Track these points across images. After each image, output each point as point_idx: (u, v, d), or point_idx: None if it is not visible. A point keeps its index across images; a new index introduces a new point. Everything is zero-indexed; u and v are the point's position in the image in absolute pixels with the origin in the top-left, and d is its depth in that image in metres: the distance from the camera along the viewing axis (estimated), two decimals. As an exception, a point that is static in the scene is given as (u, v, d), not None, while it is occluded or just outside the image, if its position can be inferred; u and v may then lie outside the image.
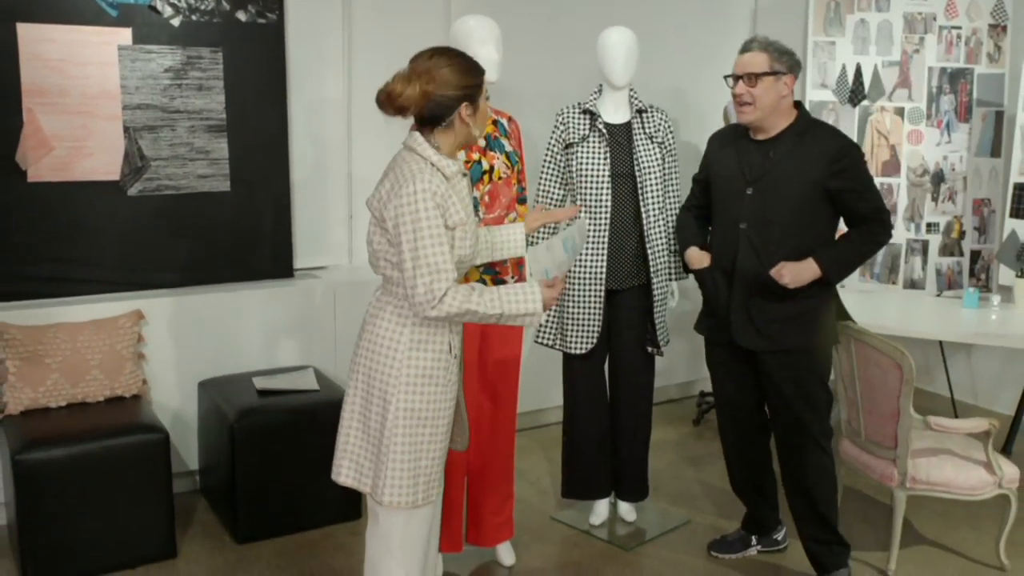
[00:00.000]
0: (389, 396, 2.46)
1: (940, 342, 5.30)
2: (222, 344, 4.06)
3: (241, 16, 4.11)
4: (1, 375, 3.58)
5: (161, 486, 3.47)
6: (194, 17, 4.01)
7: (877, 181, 4.92)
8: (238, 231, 4.19)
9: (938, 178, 4.95)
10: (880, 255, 4.97)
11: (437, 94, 2.43)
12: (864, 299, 4.72)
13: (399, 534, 2.55)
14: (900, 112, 4.95)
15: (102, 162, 3.91)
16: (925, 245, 4.97)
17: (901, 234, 4.96)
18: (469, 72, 2.47)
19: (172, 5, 3.97)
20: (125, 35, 3.90)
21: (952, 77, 4.92)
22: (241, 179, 4.16)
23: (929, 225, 4.97)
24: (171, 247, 4.06)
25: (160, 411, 3.84)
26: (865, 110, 4.97)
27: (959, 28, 4.92)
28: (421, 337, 2.47)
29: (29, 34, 3.72)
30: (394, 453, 2.47)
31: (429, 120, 2.48)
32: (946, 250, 4.96)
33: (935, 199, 4.96)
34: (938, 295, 4.89)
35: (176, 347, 3.97)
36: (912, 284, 4.97)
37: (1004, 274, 4.72)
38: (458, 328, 2.57)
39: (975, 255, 4.94)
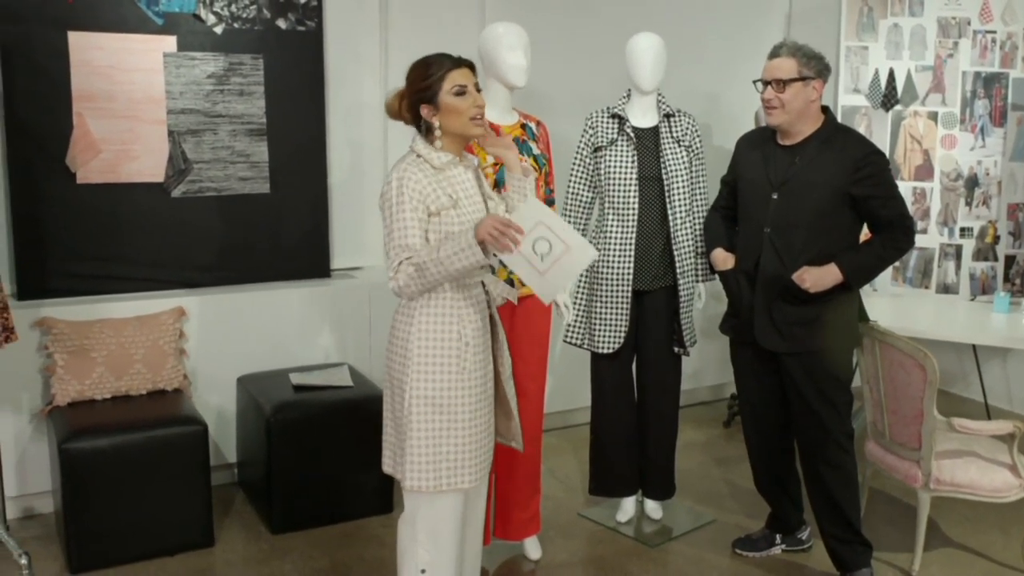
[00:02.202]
0: (404, 384, 2.61)
1: (974, 347, 5.28)
2: (260, 341, 4.19)
3: (281, 24, 4.24)
4: (49, 368, 3.74)
5: (200, 476, 3.60)
6: (236, 25, 4.15)
7: (910, 185, 4.95)
8: (277, 232, 4.32)
9: (972, 183, 4.95)
10: (912, 259, 4.97)
11: (409, 100, 2.66)
12: (896, 303, 4.73)
13: (423, 519, 2.67)
14: (934, 117, 4.95)
15: (147, 165, 4.05)
16: (959, 249, 4.96)
17: (934, 238, 4.96)
18: (418, 79, 2.64)
19: (215, 14, 4.10)
20: (170, 43, 4.04)
21: (987, 81, 4.91)
22: (280, 182, 4.29)
23: (963, 230, 4.96)
24: (212, 247, 4.19)
25: (200, 405, 3.97)
26: (898, 115, 4.98)
27: (994, 32, 4.91)
28: (428, 327, 2.60)
29: (79, 42, 3.87)
30: (412, 439, 2.60)
31: (417, 126, 2.70)
32: (980, 255, 4.95)
33: (969, 204, 4.96)
34: (972, 299, 4.88)
35: (216, 343, 4.11)
36: (945, 289, 4.96)
37: (1038, 279, 4.71)
38: (472, 319, 2.65)
39: (1010, 260, 4.92)
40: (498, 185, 3.25)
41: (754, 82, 3.35)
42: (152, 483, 3.52)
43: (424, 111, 2.64)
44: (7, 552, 3.41)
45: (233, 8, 4.13)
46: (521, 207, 2.58)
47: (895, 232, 3.24)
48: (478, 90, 2.66)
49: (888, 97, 4.99)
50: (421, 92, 2.63)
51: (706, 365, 5.40)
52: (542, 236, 2.47)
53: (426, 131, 2.67)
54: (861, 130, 4.92)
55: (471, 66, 2.69)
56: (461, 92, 2.62)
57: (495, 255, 2.51)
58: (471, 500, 2.84)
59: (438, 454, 2.62)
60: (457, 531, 2.73)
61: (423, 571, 2.69)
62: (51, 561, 3.53)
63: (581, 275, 3.75)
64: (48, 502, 3.89)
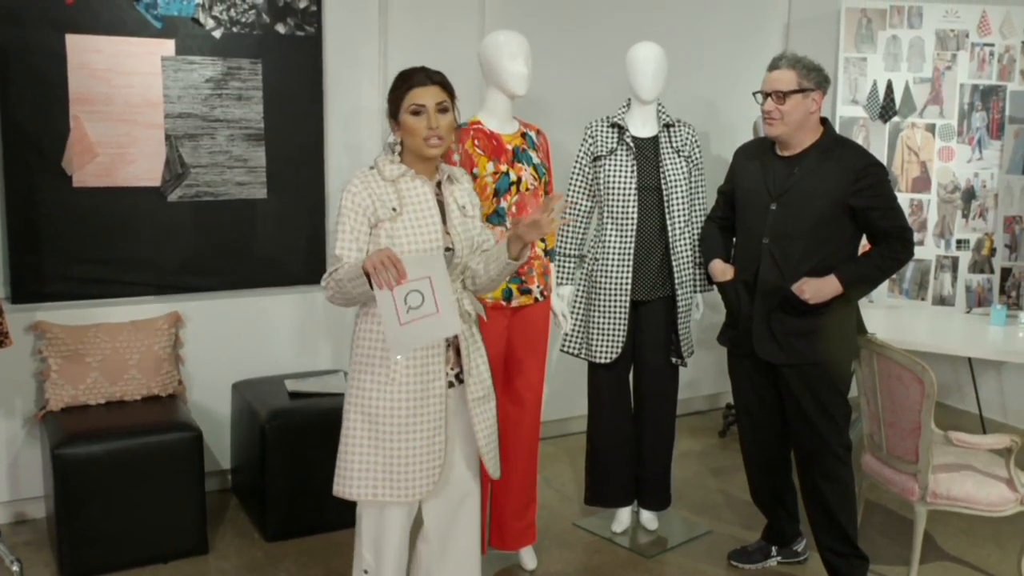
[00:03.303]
0: (346, 392, 2.70)
1: (969, 359, 5.29)
2: (256, 347, 4.18)
3: (280, 29, 4.23)
4: (43, 373, 3.72)
5: (194, 483, 3.58)
6: (235, 29, 4.13)
7: (907, 197, 4.95)
8: (274, 238, 4.30)
9: (969, 195, 4.96)
10: (909, 271, 4.98)
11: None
12: (893, 315, 4.74)
13: (365, 525, 2.75)
14: (931, 129, 4.96)
15: (144, 168, 4.03)
16: (955, 262, 4.97)
17: (931, 250, 4.96)
18: (390, 92, 2.67)
19: (214, 18, 4.09)
20: (168, 46, 4.02)
21: (984, 94, 4.93)
22: (278, 187, 4.28)
23: (959, 242, 4.97)
24: (209, 252, 4.17)
25: (195, 411, 3.95)
26: (896, 126, 4.99)
27: (992, 45, 4.92)
28: (364, 334, 2.66)
29: (77, 45, 3.85)
30: (342, 445, 2.68)
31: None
32: (976, 267, 4.96)
33: (965, 216, 4.97)
34: (968, 312, 4.89)
35: (211, 349, 4.09)
36: (941, 300, 4.97)
37: (1034, 292, 4.72)
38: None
39: (1006, 272, 4.93)
40: (497, 195, 3.24)
41: (754, 94, 3.35)
42: (145, 489, 3.50)
43: (392, 125, 2.68)
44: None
45: (232, 12, 4.12)
46: (423, 257, 2.54)
47: (894, 243, 3.24)
48: (444, 110, 2.64)
49: (886, 109, 5.00)
50: (389, 105, 2.67)
51: (702, 375, 5.40)
52: (419, 290, 2.41)
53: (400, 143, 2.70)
54: (859, 141, 4.93)
55: (442, 84, 2.66)
56: (417, 112, 2.61)
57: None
58: (457, 513, 2.83)
59: (364, 465, 2.64)
60: (398, 541, 2.74)
61: (365, 571, 2.75)
62: (43, 567, 3.50)
63: (577, 289, 3.74)
64: (40, 507, 3.87)
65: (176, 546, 3.59)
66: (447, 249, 2.65)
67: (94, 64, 3.89)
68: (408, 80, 2.64)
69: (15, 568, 3.23)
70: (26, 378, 3.77)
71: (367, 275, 2.39)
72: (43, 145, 3.82)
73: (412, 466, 2.64)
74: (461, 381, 2.74)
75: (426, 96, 2.61)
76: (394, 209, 2.60)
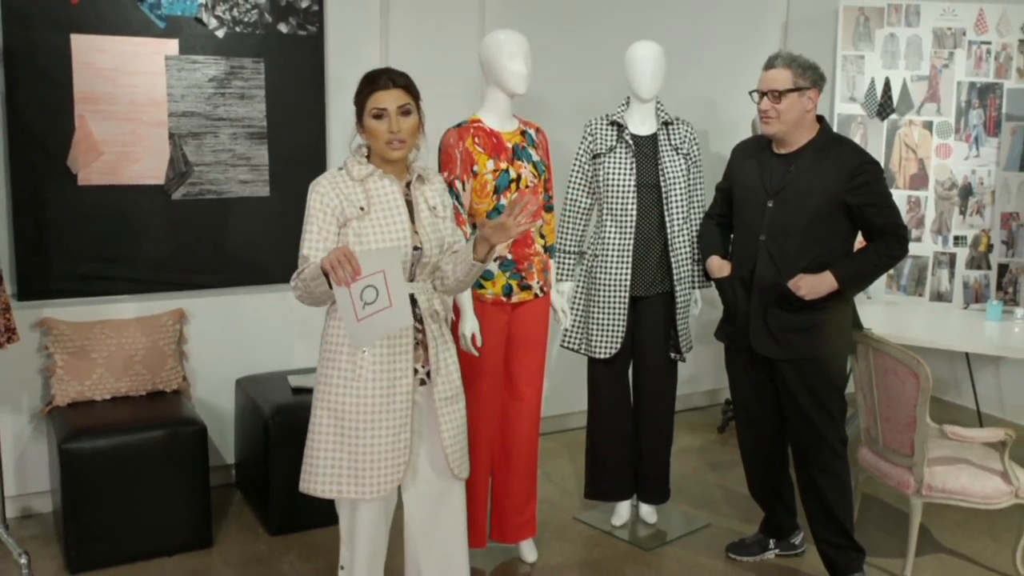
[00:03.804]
0: (315, 389, 2.73)
1: (967, 355, 5.33)
2: (258, 343, 4.22)
3: (283, 28, 4.27)
4: (49, 369, 3.76)
5: (199, 477, 3.63)
6: (238, 29, 4.17)
7: (905, 194, 4.99)
8: (276, 235, 4.34)
9: (966, 191, 5.00)
10: (907, 267, 5.02)
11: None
12: (890, 310, 4.78)
13: (341, 520, 2.79)
14: (928, 126, 5.00)
15: (148, 167, 4.07)
16: (952, 258, 5.01)
17: (928, 247, 5.00)
18: (356, 94, 2.69)
19: (217, 17, 4.13)
20: (172, 46, 4.07)
21: (981, 92, 4.97)
22: (280, 185, 4.32)
23: (956, 238, 5.01)
24: (212, 249, 4.21)
25: (199, 406, 3.99)
26: (893, 124, 5.03)
27: (988, 43, 4.96)
28: (332, 333, 2.69)
29: (82, 44, 3.89)
30: (309, 442, 2.71)
31: None
32: (973, 263, 5.00)
33: (963, 212, 5.00)
34: (965, 308, 4.93)
35: (215, 345, 4.14)
36: (939, 296, 5.01)
37: (1030, 288, 4.76)
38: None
39: (1003, 268, 4.97)
40: (497, 192, 3.28)
41: (750, 93, 3.39)
42: (151, 484, 3.54)
43: (357, 127, 2.71)
44: (7, 551, 3.43)
45: (235, 12, 4.16)
46: (376, 251, 2.56)
47: (889, 240, 3.28)
48: (407, 112, 2.64)
49: (884, 106, 5.03)
50: (356, 107, 2.70)
51: (701, 371, 5.44)
52: (373, 285, 2.43)
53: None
54: (857, 139, 4.98)
55: (406, 87, 2.67)
56: (379, 115, 2.63)
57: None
58: (439, 510, 2.87)
59: (332, 461, 2.66)
60: (369, 538, 2.77)
61: (342, 567, 2.80)
62: (49, 560, 3.55)
63: (577, 285, 3.78)
64: (46, 502, 3.92)
65: (181, 540, 3.64)
66: (415, 248, 2.67)
67: (99, 64, 3.94)
68: (372, 84, 2.65)
69: (23, 560, 3.27)
70: (32, 374, 3.82)
71: (325, 274, 2.42)
72: (49, 144, 3.86)
73: (376, 463, 2.66)
74: (428, 379, 2.76)
75: (388, 99, 2.62)
76: (362, 208, 2.62)
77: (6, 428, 3.76)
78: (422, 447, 2.81)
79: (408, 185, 2.75)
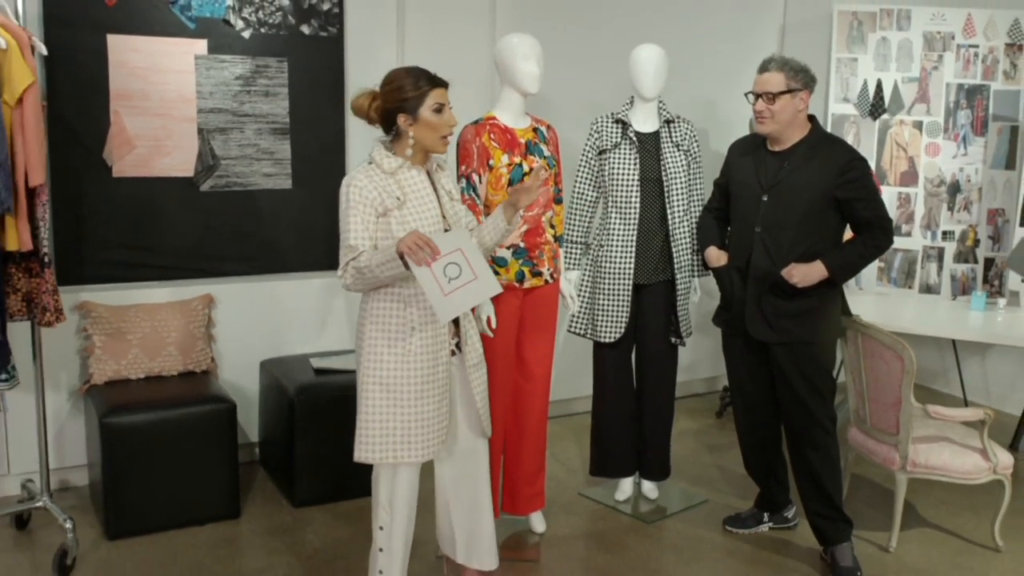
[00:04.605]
0: (359, 366, 2.94)
1: (954, 345, 5.57)
2: (282, 327, 4.46)
3: (305, 29, 4.50)
4: (88, 349, 4.00)
5: (228, 452, 3.86)
6: (263, 30, 4.41)
7: (895, 191, 5.23)
8: (298, 225, 4.58)
9: (954, 189, 5.23)
10: (897, 260, 5.25)
11: (382, 107, 2.90)
12: (881, 301, 5.02)
13: (382, 486, 3.01)
14: (918, 125, 5.24)
15: (178, 160, 4.31)
16: (941, 252, 5.25)
17: (918, 241, 5.24)
18: (404, 88, 2.87)
19: (243, 19, 4.36)
20: (201, 46, 4.30)
21: (969, 93, 5.20)
22: (302, 178, 4.55)
23: (945, 233, 5.24)
24: (238, 238, 4.45)
25: (225, 387, 4.21)
26: (885, 123, 5.26)
27: (976, 47, 5.19)
28: (379, 314, 2.90)
29: (117, 44, 4.12)
30: (362, 415, 2.93)
31: (384, 129, 2.96)
32: (961, 257, 5.23)
33: (951, 208, 5.24)
34: (953, 299, 5.16)
35: (241, 329, 4.37)
36: (928, 289, 5.24)
37: (1014, 280, 4.98)
38: (421, 306, 2.87)
39: (989, 262, 5.21)
40: (511, 184, 3.52)
41: (746, 94, 3.62)
42: (184, 457, 3.77)
43: (401, 120, 2.87)
44: (51, 519, 3.66)
45: (260, 14, 4.39)
46: (449, 233, 2.82)
47: (875, 232, 3.50)
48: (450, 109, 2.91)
49: (876, 106, 5.27)
50: (403, 101, 2.86)
51: (700, 358, 5.67)
52: (455, 262, 2.70)
53: (395, 136, 2.93)
54: (849, 138, 5.21)
55: (447, 86, 2.93)
56: (439, 110, 2.87)
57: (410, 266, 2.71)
58: (465, 469, 3.15)
59: (385, 430, 2.90)
60: (409, 498, 3.03)
61: (381, 527, 3.03)
62: (88, 528, 3.78)
63: (583, 274, 4.01)
64: (83, 475, 4.15)
65: (211, 510, 3.87)
66: (445, 230, 2.91)
67: (133, 62, 4.16)
68: (432, 81, 2.88)
69: (68, 525, 3.50)
70: (71, 355, 4.05)
71: (401, 258, 2.65)
72: (86, 138, 4.10)
73: (425, 427, 2.93)
74: (459, 351, 3.05)
75: (444, 96, 2.89)
76: (399, 199, 2.85)
77: (46, 405, 3.98)
78: (458, 410, 3.10)
79: (429, 174, 2.99)
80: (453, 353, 3.02)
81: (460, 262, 2.71)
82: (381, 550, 3.04)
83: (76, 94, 4.05)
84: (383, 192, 2.85)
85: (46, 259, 3.40)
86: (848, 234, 3.63)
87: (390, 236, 2.83)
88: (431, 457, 2.99)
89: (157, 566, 3.53)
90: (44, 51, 3.42)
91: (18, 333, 3.60)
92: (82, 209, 4.11)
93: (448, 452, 3.13)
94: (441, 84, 2.90)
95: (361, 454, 2.95)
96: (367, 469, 4.06)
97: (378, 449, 2.93)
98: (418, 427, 2.92)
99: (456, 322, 3.00)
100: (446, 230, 2.92)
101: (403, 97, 2.86)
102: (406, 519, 3.04)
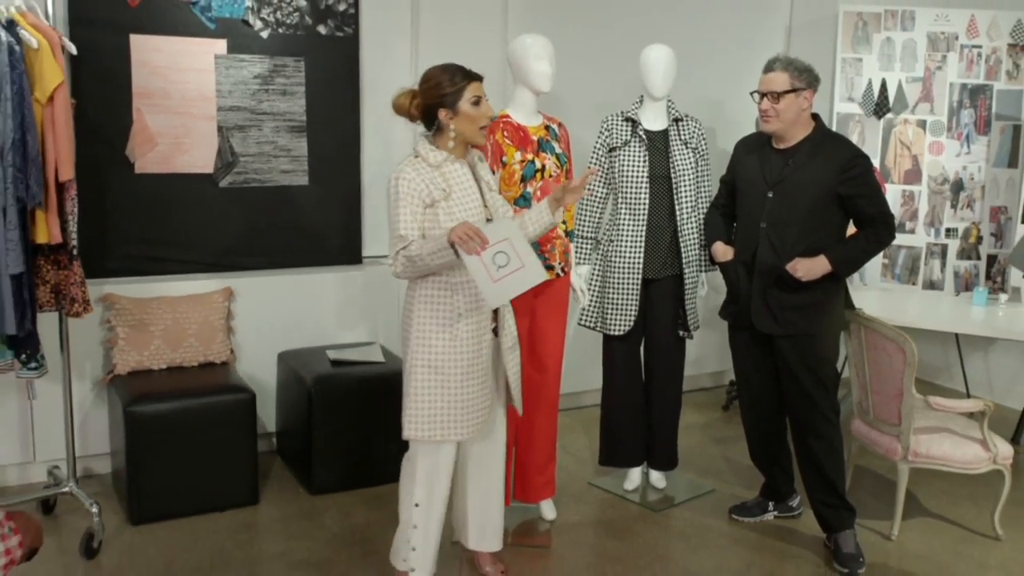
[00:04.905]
0: (407, 349, 3.09)
1: (957, 341, 5.66)
2: (299, 320, 4.57)
3: (322, 30, 4.61)
4: (111, 340, 4.11)
5: (247, 440, 3.98)
6: (281, 30, 4.52)
7: (899, 188, 5.32)
8: (314, 221, 4.69)
9: (957, 187, 5.32)
10: (901, 257, 5.35)
11: (423, 103, 3.05)
12: (885, 296, 5.11)
13: (421, 463, 3.15)
14: (922, 124, 5.33)
15: (198, 157, 4.42)
16: (944, 249, 5.34)
17: (921, 238, 5.33)
18: (442, 84, 3.02)
19: (262, 20, 4.47)
20: (221, 46, 4.41)
21: (972, 92, 5.29)
22: (318, 175, 4.67)
23: (948, 230, 5.33)
24: (256, 233, 4.56)
25: (244, 378, 4.33)
26: (889, 122, 5.35)
27: (980, 47, 5.28)
28: (427, 300, 3.05)
29: (140, 44, 4.24)
30: (410, 396, 3.08)
31: (426, 125, 3.11)
32: (964, 254, 5.32)
33: (954, 206, 5.33)
34: (957, 296, 5.25)
35: (259, 322, 4.48)
36: (931, 285, 5.33)
37: (1016, 276, 5.07)
38: (467, 294, 3.04)
39: (991, 259, 5.30)
40: (524, 180, 3.62)
41: (751, 93, 3.71)
42: (205, 445, 3.89)
43: (442, 114, 3.02)
44: (77, 504, 3.78)
45: (278, 15, 4.50)
46: (496, 223, 2.98)
47: (878, 227, 3.59)
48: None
49: (880, 106, 5.36)
50: (442, 97, 3.01)
51: (707, 353, 5.77)
52: (503, 251, 2.87)
53: (436, 130, 3.07)
54: (854, 136, 5.31)
55: (482, 79, 3.09)
56: (477, 102, 3.02)
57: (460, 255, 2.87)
58: (485, 450, 3.31)
59: (432, 410, 3.06)
60: (448, 475, 3.19)
61: (417, 504, 3.17)
62: (112, 514, 3.89)
63: (593, 268, 4.11)
64: (105, 463, 4.26)
65: (231, 496, 3.98)
66: (487, 220, 3.05)
67: (155, 62, 4.28)
68: (469, 75, 3.03)
69: (94, 510, 3.61)
70: (94, 346, 4.16)
71: (452, 247, 2.81)
72: (109, 135, 4.21)
73: (471, 406, 3.10)
74: (496, 334, 3.19)
75: (481, 89, 3.04)
76: (444, 190, 2.99)
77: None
78: (492, 392, 3.27)
79: (471, 167, 3.15)
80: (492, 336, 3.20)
81: (508, 251, 2.87)
82: (415, 527, 3.18)
83: (100, 92, 4.16)
84: (430, 184, 2.99)
85: (74, 252, 3.51)
86: (852, 230, 3.73)
87: (437, 226, 2.98)
88: (473, 435, 3.15)
89: (180, 550, 3.65)
90: (74, 50, 3.53)
91: (46, 324, 3.71)
92: (106, 204, 4.22)
93: (487, 429, 3.30)
94: (477, 78, 3.06)
95: (409, 431, 3.09)
96: (382, 459, 4.21)
97: (425, 427, 3.07)
98: (463, 407, 3.08)
99: (495, 309, 3.15)
100: (488, 220, 3.06)
101: (442, 93, 3.01)
102: (444, 496, 3.19)
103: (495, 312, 3.17)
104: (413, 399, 3.08)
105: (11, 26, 3.26)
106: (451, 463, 3.18)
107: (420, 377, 3.06)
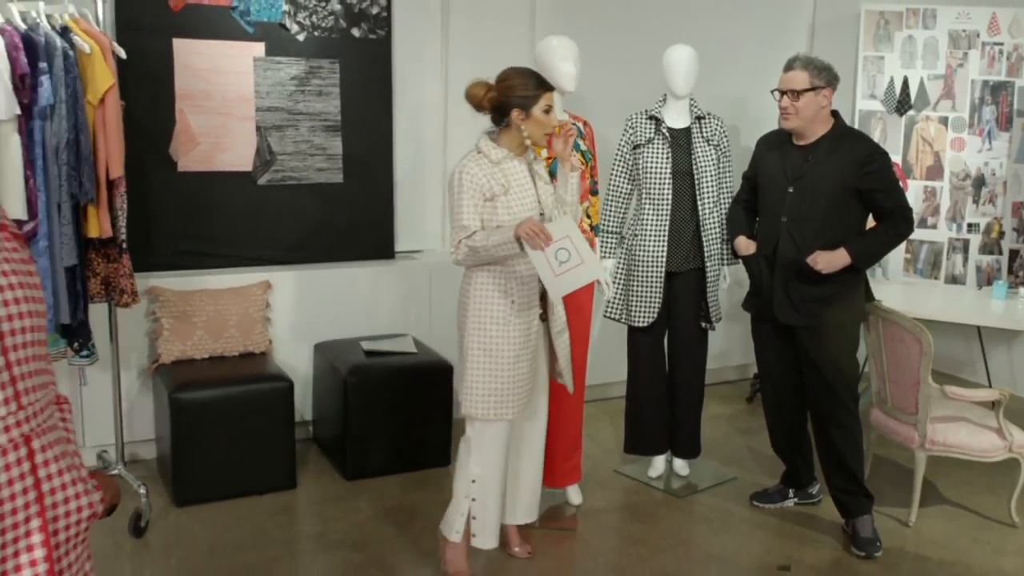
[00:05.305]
0: (464, 332, 3.29)
1: (980, 335, 5.72)
2: (334, 313, 4.74)
3: (355, 32, 4.78)
4: (156, 331, 4.30)
5: (286, 426, 4.15)
6: (316, 33, 4.69)
7: (921, 184, 5.41)
8: (349, 217, 4.86)
9: (979, 182, 5.40)
10: (923, 252, 5.43)
11: (498, 99, 3.21)
12: (908, 290, 5.20)
13: (476, 440, 3.35)
14: (944, 121, 5.41)
15: (238, 156, 4.60)
16: (966, 244, 5.42)
17: (943, 233, 5.41)
18: (524, 87, 3.22)
19: (298, 23, 4.65)
20: (259, 49, 4.59)
21: (994, 89, 5.36)
22: (353, 172, 4.84)
23: (970, 225, 5.41)
24: (293, 229, 4.74)
25: (281, 367, 4.50)
26: (911, 119, 5.44)
27: (1001, 44, 5.35)
28: (483, 288, 3.26)
29: (182, 48, 4.42)
30: (468, 376, 3.28)
31: (494, 119, 3.29)
32: (986, 249, 5.40)
33: (976, 201, 5.41)
34: (979, 290, 5.32)
35: (296, 314, 4.66)
36: (953, 279, 5.41)
37: (1037, 270, 5.15)
38: (520, 283, 3.25)
39: (1013, 254, 5.37)
40: (553, 176, 3.76)
41: (772, 92, 3.83)
42: (245, 431, 4.06)
43: (515, 114, 3.21)
44: (126, 486, 3.96)
45: (314, 19, 4.67)
46: (558, 221, 3.18)
47: (896, 220, 3.69)
48: None
49: (902, 103, 5.45)
50: (519, 98, 3.20)
51: (732, 347, 5.88)
52: (565, 247, 3.08)
53: (504, 127, 3.25)
54: (876, 133, 5.40)
55: (554, 90, 3.30)
56: (548, 111, 3.22)
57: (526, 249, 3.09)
58: (524, 428, 3.51)
59: (487, 390, 3.27)
60: (504, 451, 3.39)
61: (473, 480, 3.37)
62: (157, 497, 4.08)
63: (618, 262, 4.24)
64: (150, 449, 4.45)
65: (270, 480, 4.16)
66: (540, 214, 3.27)
67: (196, 65, 4.46)
68: (544, 84, 3.24)
69: (142, 491, 3.79)
70: (140, 336, 4.35)
71: (518, 241, 3.02)
72: (154, 135, 4.40)
73: (521, 387, 3.31)
74: (544, 320, 3.40)
75: (553, 100, 3.25)
76: (503, 185, 3.19)
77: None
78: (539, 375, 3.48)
79: (528, 165, 3.34)
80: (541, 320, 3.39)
81: (569, 248, 3.07)
82: (474, 500, 3.39)
83: (145, 94, 4.34)
84: (490, 179, 3.19)
85: (123, 245, 3.70)
86: (871, 223, 3.83)
87: (495, 218, 3.19)
88: (520, 414, 3.35)
89: (223, 529, 3.83)
90: (123, 54, 3.71)
91: (96, 315, 3.90)
92: (151, 202, 4.41)
93: (531, 409, 3.49)
94: (551, 88, 3.27)
95: (466, 409, 3.31)
96: (414, 446, 4.37)
97: (480, 406, 3.28)
98: (513, 388, 3.29)
99: (543, 294, 3.34)
100: (541, 214, 3.26)
101: (519, 94, 3.21)
102: (500, 471, 3.39)
103: (543, 299, 3.36)
104: (470, 379, 3.28)
105: (65, 32, 3.45)
106: (505, 441, 3.38)
107: (475, 359, 3.27)
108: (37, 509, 1.51)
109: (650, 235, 4.15)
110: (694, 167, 4.15)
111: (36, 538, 1.50)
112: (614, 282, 4.26)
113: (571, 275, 3.10)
